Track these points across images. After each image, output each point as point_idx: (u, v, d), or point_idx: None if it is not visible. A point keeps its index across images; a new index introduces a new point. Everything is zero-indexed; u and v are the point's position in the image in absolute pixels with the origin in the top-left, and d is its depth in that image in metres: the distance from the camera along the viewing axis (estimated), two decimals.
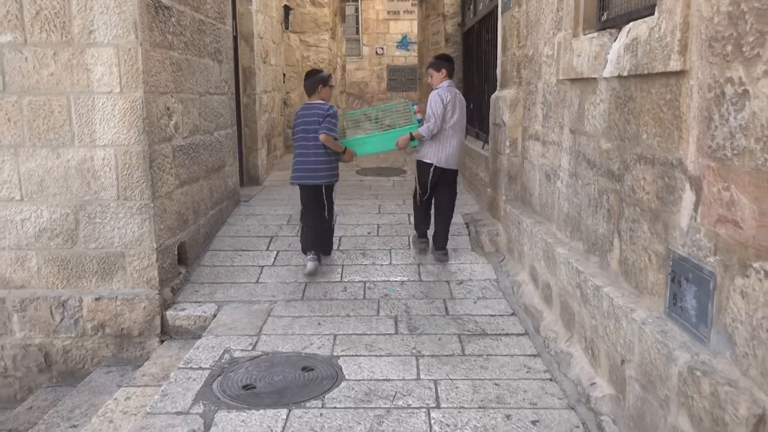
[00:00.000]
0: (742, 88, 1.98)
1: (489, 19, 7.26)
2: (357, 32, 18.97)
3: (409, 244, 5.69)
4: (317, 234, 5.15)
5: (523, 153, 5.14)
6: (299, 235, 5.36)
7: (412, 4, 16.52)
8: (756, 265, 1.93)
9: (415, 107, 5.45)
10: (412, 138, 5.21)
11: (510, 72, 5.36)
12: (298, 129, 5.08)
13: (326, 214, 5.17)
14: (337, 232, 5.84)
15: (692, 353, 2.24)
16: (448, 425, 2.94)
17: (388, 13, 18.93)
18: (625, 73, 2.85)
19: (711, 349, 2.19)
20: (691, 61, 2.30)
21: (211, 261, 5.35)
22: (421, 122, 5.26)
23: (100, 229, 4.35)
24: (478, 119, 8.29)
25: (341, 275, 5.09)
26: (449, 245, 5.45)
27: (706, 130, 2.21)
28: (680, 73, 2.37)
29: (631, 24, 2.86)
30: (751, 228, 1.95)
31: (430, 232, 5.48)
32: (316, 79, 5.13)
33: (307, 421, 2.99)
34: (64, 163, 4.26)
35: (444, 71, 5.31)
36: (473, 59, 9.03)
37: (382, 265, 5.27)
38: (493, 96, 5.87)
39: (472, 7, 9.08)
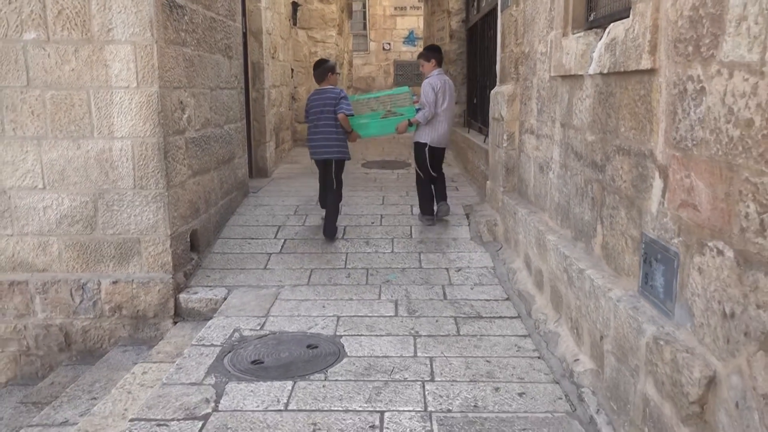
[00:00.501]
0: (700, 85, 2.20)
1: (491, 16, 7.46)
2: (364, 28, 19.20)
3: (410, 234, 5.93)
4: (331, 199, 5.90)
5: (519, 146, 5.36)
6: (319, 198, 6.24)
7: (419, 0, 16.70)
8: (710, 244, 2.15)
9: (414, 97, 6.06)
10: (410, 124, 5.98)
11: (508, 68, 5.57)
12: (312, 111, 5.84)
13: (335, 189, 5.88)
14: (342, 222, 6.09)
15: (658, 326, 2.47)
16: (440, 396, 3.19)
17: (395, 9, 19.14)
18: (606, 71, 3.07)
19: (675, 322, 2.42)
20: (660, 60, 2.52)
21: (222, 248, 5.61)
22: (418, 110, 5.99)
23: (118, 216, 4.61)
24: (480, 114, 8.50)
25: (345, 262, 5.34)
26: (449, 235, 5.70)
27: (671, 123, 2.43)
28: (651, 71, 2.59)
29: (612, 25, 3.08)
30: (707, 211, 2.17)
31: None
32: (325, 68, 5.90)
33: (311, 392, 3.25)
34: (84, 154, 4.52)
35: (434, 61, 6.02)
36: (477, 55, 9.25)
37: (384, 253, 5.52)
38: (492, 91, 6.09)
39: (475, 4, 9.29)
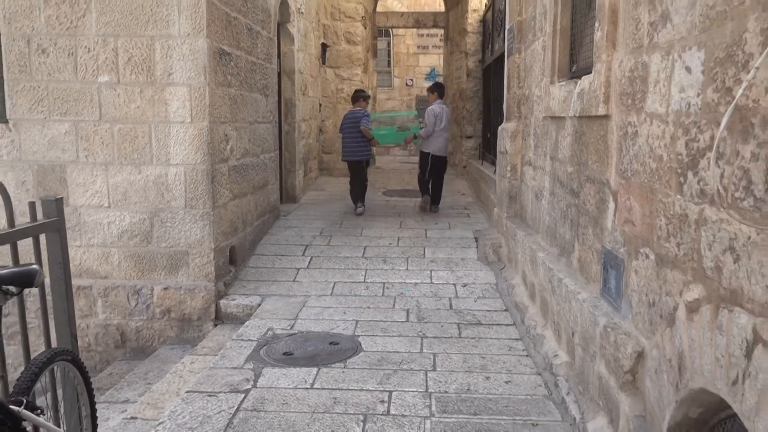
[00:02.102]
0: (635, 129, 2.88)
1: (503, 59, 8.20)
2: (388, 65, 20.17)
3: (424, 254, 6.60)
4: (360, 190, 8.44)
5: (521, 177, 6.03)
6: (349, 194, 8.59)
7: (440, 40, 17.59)
8: (642, 250, 2.80)
9: (420, 119, 8.94)
10: (415, 137, 8.64)
11: (512, 108, 6.28)
12: (345, 125, 8.46)
13: (363, 179, 8.50)
14: (362, 243, 6.80)
15: (609, 318, 3.10)
16: (440, 381, 3.83)
17: (418, 47, 20.11)
18: (578, 114, 3.75)
19: (621, 314, 3.05)
20: (611, 108, 3.20)
21: (256, 263, 6.34)
22: (421, 128, 8.59)
23: (170, 231, 5.37)
24: (493, 147, 9.19)
25: (364, 277, 6.02)
26: (457, 255, 6.36)
27: (619, 157, 3.10)
28: (606, 117, 3.27)
29: (583, 77, 3.77)
30: (639, 224, 2.82)
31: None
32: (358, 95, 8.75)
33: (332, 376, 3.91)
34: (144, 178, 5.31)
35: (435, 94, 8.57)
36: (491, 93, 9.99)
37: (399, 270, 6.19)
38: (499, 128, 6.80)
39: (490, 46, 10.07)
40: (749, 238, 1.86)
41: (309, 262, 6.38)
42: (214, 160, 5.40)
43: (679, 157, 2.37)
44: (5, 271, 2.11)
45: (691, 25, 2.29)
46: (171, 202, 5.34)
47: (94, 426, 2.81)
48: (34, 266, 2.23)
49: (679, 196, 2.37)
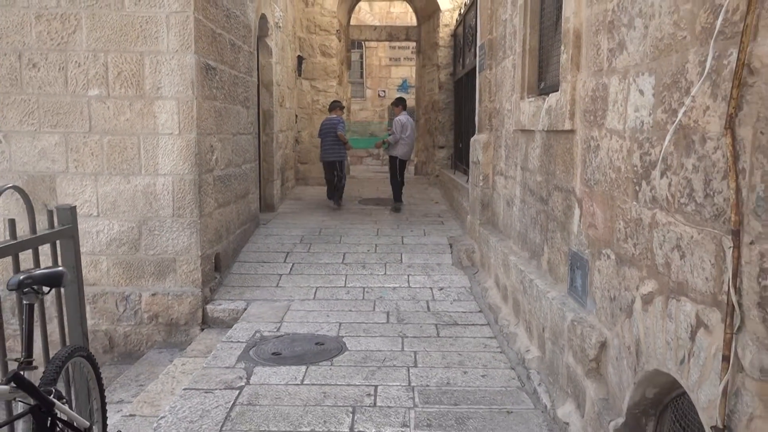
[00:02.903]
0: (597, 143, 3.21)
1: (474, 73, 8.57)
2: (361, 76, 20.52)
3: (401, 260, 6.89)
4: (335, 188, 9.74)
5: (493, 185, 6.38)
6: (326, 191, 10.03)
7: (412, 52, 17.99)
8: (604, 251, 3.13)
9: (388, 128, 10.22)
10: (383, 143, 10.25)
11: (484, 120, 6.63)
12: (323, 130, 9.74)
13: (337, 179, 9.75)
14: (341, 249, 7.06)
15: (576, 313, 3.43)
16: (421, 376, 4.11)
17: (390, 59, 20.50)
18: (547, 128, 4.09)
19: (586, 310, 3.38)
20: (576, 123, 3.54)
21: (239, 270, 6.55)
22: (389, 136, 10.14)
23: (158, 239, 5.56)
24: (465, 157, 9.55)
25: (345, 282, 6.28)
26: (432, 260, 6.66)
27: (584, 168, 3.44)
28: (571, 131, 3.61)
29: (551, 94, 4.12)
30: (601, 228, 3.16)
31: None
32: (335, 104, 10.08)
33: (320, 373, 4.16)
34: (132, 188, 5.50)
35: (400, 107, 10.12)
36: (462, 105, 10.37)
37: (378, 275, 6.47)
38: (472, 139, 7.15)
39: (461, 60, 10.45)
40: (692, 237, 2.19)
41: (291, 269, 6.62)
42: (201, 171, 5.62)
43: (635, 168, 2.70)
44: (38, 272, 2.33)
45: (644, 54, 2.63)
46: (159, 211, 5.53)
47: (104, 419, 3.02)
48: (61, 268, 2.45)
49: (634, 203, 2.71)
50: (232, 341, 4.80)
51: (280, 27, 9.51)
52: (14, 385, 2.11)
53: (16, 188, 2.59)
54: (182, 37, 5.33)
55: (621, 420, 2.79)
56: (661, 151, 2.43)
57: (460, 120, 10.68)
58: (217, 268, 6.18)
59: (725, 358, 1.94)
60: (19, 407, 2.25)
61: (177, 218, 5.55)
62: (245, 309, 5.63)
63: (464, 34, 10.05)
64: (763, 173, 1.79)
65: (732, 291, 1.90)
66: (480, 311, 5.54)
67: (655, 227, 2.50)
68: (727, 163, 1.94)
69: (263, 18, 8.38)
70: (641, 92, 2.64)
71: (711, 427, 2.01)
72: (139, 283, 5.61)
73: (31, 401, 2.19)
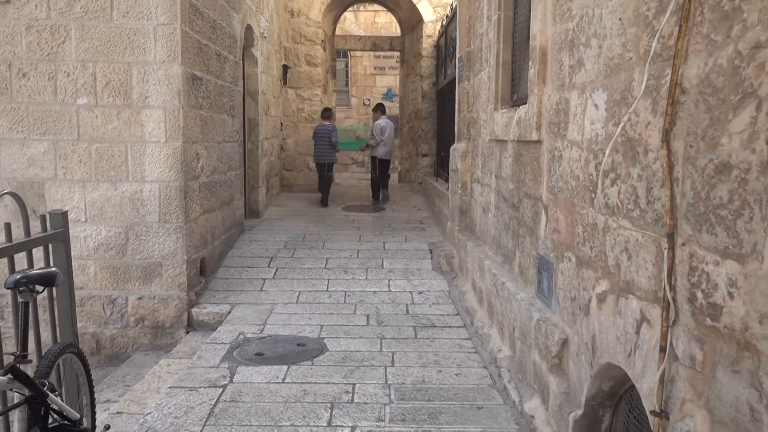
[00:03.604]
0: (560, 153, 3.43)
1: (454, 84, 8.80)
2: (346, 85, 20.75)
3: (382, 265, 7.08)
4: (325, 186, 10.94)
5: (470, 193, 6.59)
6: (317, 188, 11.38)
7: (396, 62, 18.24)
8: (566, 254, 3.34)
9: (370, 133, 11.72)
10: (367, 146, 11.89)
11: (462, 129, 6.86)
12: (317, 135, 10.96)
13: (327, 175, 11.04)
14: (324, 255, 7.24)
15: (542, 313, 3.63)
16: (398, 375, 4.30)
17: (375, 68, 20.76)
18: (517, 139, 4.31)
19: (552, 310, 3.59)
20: (543, 134, 3.76)
21: (224, 274, 6.71)
22: (371, 138, 11.58)
23: (144, 244, 5.71)
24: (447, 165, 9.77)
25: (327, 286, 6.46)
26: (413, 265, 6.86)
27: (549, 177, 3.65)
28: (538, 142, 3.83)
29: (521, 106, 4.34)
30: (564, 233, 3.37)
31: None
32: (327, 113, 11.28)
33: (301, 372, 4.33)
34: (120, 194, 5.65)
35: (379, 112, 11.51)
36: (444, 114, 10.60)
37: (360, 279, 6.65)
38: (451, 147, 7.37)
39: (443, 70, 10.69)
40: (637, 240, 2.41)
41: (275, 273, 6.78)
42: (187, 178, 5.78)
43: (591, 177, 2.92)
44: (34, 272, 2.49)
45: (598, 72, 2.85)
46: (146, 217, 5.69)
47: (93, 413, 3.18)
48: (54, 269, 2.62)
49: (591, 209, 2.92)
50: (216, 343, 4.96)
51: (265, 37, 9.70)
52: (11, 377, 2.27)
53: (12, 194, 2.75)
54: (169, 49, 5.50)
55: (580, 412, 2.99)
56: (601, 163, 2.65)
57: (442, 129, 10.91)
58: (203, 273, 6.34)
59: (662, 349, 2.15)
60: (14, 399, 2.40)
61: (163, 224, 5.70)
62: (229, 312, 5.78)
63: (446, 45, 10.30)
64: (692, 182, 2.01)
65: (667, 288, 2.11)
66: (457, 314, 5.74)
67: (607, 231, 2.71)
68: (664, 172, 2.15)
69: (249, 29, 8.57)
70: (596, 106, 2.86)
71: (650, 412, 2.21)
72: (126, 286, 5.75)
73: (27, 392, 2.35)
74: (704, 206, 1.93)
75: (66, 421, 2.59)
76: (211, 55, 6.49)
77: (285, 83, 11.68)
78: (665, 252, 2.13)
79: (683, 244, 2.05)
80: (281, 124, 11.72)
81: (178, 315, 5.75)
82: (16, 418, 2.37)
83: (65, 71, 5.50)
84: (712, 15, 1.90)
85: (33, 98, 5.52)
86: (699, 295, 1.95)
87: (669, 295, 2.11)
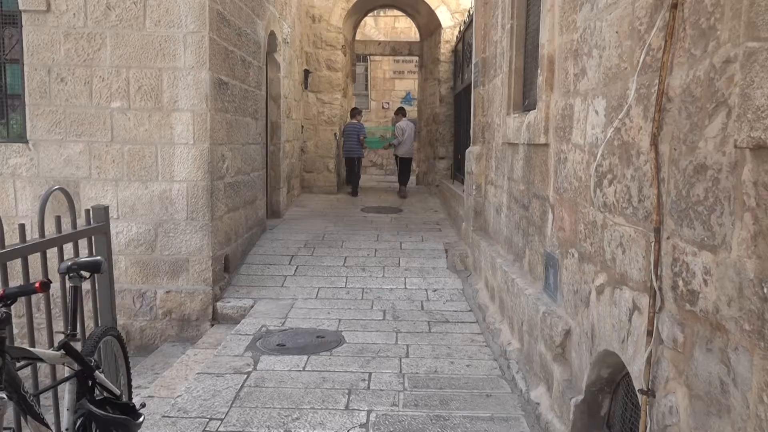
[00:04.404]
0: (565, 155, 3.65)
1: (470, 89, 9.02)
2: (366, 89, 21.03)
3: (399, 264, 7.32)
4: (354, 179, 12.53)
5: (484, 194, 6.81)
6: (346, 181, 13.32)
7: (415, 66, 18.49)
8: (570, 251, 3.55)
9: (393, 134, 13.26)
10: (390, 144, 14.12)
11: (477, 133, 7.08)
12: (347, 132, 12.42)
13: (357, 170, 12.68)
14: (343, 254, 7.50)
15: (547, 306, 3.85)
16: (412, 365, 4.53)
17: (394, 72, 21.03)
18: (527, 142, 4.53)
19: (557, 303, 3.80)
20: (550, 138, 3.98)
21: (247, 271, 6.99)
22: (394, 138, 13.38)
23: (173, 240, 6.02)
24: (463, 168, 9.99)
25: (345, 283, 6.71)
26: (427, 265, 7.09)
27: (555, 178, 3.87)
28: (546, 145, 4.05)
29: (530, 112, 4.56)
30: (568, 230, 3.58)
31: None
32: (355, 111, 12.82)
33: (320, 362, 4.59)
34: (149, 193, 5.96)
35: (400, 115, 13.22)
36: (461, 118, 10.81)
37: (377, 277, 6.90)
38: (467, 150, 7.59)
39: (461, 75, 10.91)
40: (630, 235, 2.62)
41: (295, 270, 7.05)
42: (213, 178, 6.08)
43: (591, 178, 3.13)
44: (82, 260, 2.77)
45: (598, 80, 3.07)
46: (174, 215, 5.99)
47: (130, 392, 3.45)
48: (99, 257, 2.90)
49: (591, 208, 3.14)
50: (240, 334, 5.24)
51: (287, 43, 10.00)
52: (64, 352, 2.55)
53: (62, 190, 3.04)
54: (198, 55, 5.81)
55: (580, 397, 3.20)
56: (611, 164, 2.87)
57: (459, 132, 11.12)
58: (227, 269, 6.63)
59: (649, 333, 2.37)
60: (65, 373, 2.68)
61: (190, 221, 6.00)
62: (252, 306, 6.06)
63: (463, 51, 10.52)
64: (675, 181, 2.22)
65: (654, 278, 2.33)
66: (470, 310, 5.96)
67: (605, 228, 2.93)
68: (652, 173, 2.37)
69: (272, 35, 8.87)
70: (596, 112, 3.08)
71: (638, 390, 2.43)
72: (155, 281, 6.06)
73: (76, 366, 2.63)
74: (685, 203, 2.14)
75: (110, 395, 2.87)
76: (236, 60, 6.79)
77: (306, 87, 11.98)
78: (652, 245, 2.35)
79: (668, 238, 2.27)
80: (302, 127, 12.02)
81: (204, 308, 6.04)
82: (67, 390, 2.65)
83: (100, 76, 5.83)
84: (693, 31, 2.12)
85: (70, 102, 5.85)
86: (680, 283, 2.17)
87: (655, 284, 2.32)
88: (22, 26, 5.78)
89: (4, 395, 2.03)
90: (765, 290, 1.69)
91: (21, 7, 5.74)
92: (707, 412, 1.99)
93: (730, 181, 1.87)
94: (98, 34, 5.79)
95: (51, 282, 2.36)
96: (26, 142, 5.91)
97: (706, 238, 2.00)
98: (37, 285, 2.18)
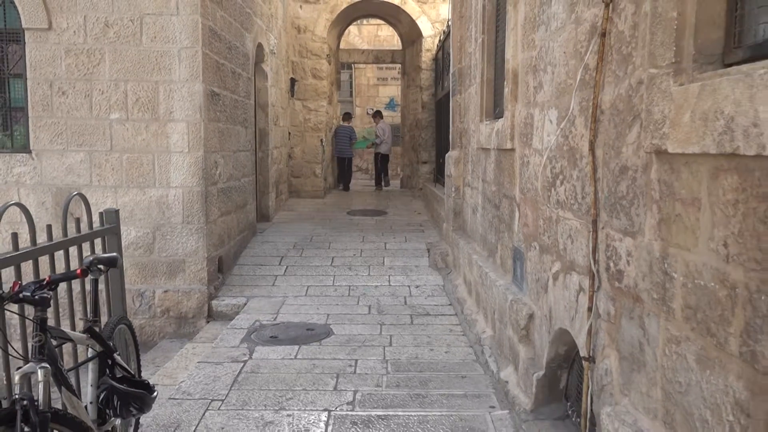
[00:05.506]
0: (527, 159, 4.09)
1: (449, 96, 9.47)
2: (351, 95, 21.48)
3: (383, 263, 7.74)
4: (345, 176, 14.49)
5: (463, 196, 7.25)
6: (337, 178, 15.05)
7: (398, 73, 18.97)
8: (533, 244, 3.99)
9: (375, 135, 14.88)
10: (372, 144, 15.93)
11: (456, 138, 7.53)
12: (338, 134, 14.36)
13: (347, 169, 14.61)
14: (330, 254, 7.91)
15: (515, 295, 4.28)
16: (394, 352, 4.95)
17: (378, 79, 21.50)
18: (497, 147, 4.98)
19: (523, 292, 4.24)
20: (515, 143, 4.42)
21: (239, 271, 7.38)
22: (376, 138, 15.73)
23: (169, 243, 6.39)
24: (445, 171, 10.44)
25: (333, 281, 7.12)
26: (411, 262, 7.52)
27: (520, 179, 4.31)
28: (512, 150, 4.49)
29: (500, 119, 5.00)
30: (531, 226, 4.02)
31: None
32: (347, 116, 15.42)
33: (310, 351, 4.99)
34: (147, 199, 6.34)
35: (378, 118, 15.67)
36: (442, 124, 11.27)
37: (362, 275, 7.31)
38: (446, 155, 8.03)
39: (441, 82, 11.37)
40: (577, 228, 3.06)
41: (285, 270, 7.45)
42: (207, 184, 6.47)
43: (548, 179, 3.58)
44: (102, 255, 3.16)
45: (552, 93, 3.52)
46: (170, 219, 6.37)
47: (139, 376, 3.84)
48: (115, 254, 3.29)
49: (548, 205, 3.58)
50: (235, 328, 5.63)
51: (274, 53, 10.41)
52: (89, 335, 2.94)
53: (80, 195, 3.43)
54: (191, 69, 6.20)
55: (541, 372, 3.64)
56: (562, 167, 3.31)
57: (440, 137, 11.58)
58: (220, 270, 7.01)
59: (590, 310, 2.80)
60: (87, 354, 3.07)
61: (186, 225, 6.39)
62: (245, 304, 6.45)
63: (443, 59, 10.98)
64: (607, 181, 2.67)
65: (592, 262, 2.77)
66: (450, 304, 6.39)
67: (558, 222, 3.37)
68: (590, 174, 2.81)
69: (260, 46, 9.27)
70: (551, 121, 3.53)
71: (582, 357, 2.86)
72: (153, 281, 6.43)
73: (98, 348, 3.02)
74: (614, 198, 2.59)
75: (126, 374, 3.26)
76: (227, 72, 7.19)
77: (292, 95, 12.38)
78: (590, 234, 2.79)
79: (602, 228, 2.71)
80: (289, 133, 12.43)
81: (200, 306, 6.42)
82: (90, 368, 3.03)
83: (100, 89, 6.20)
84: (617, 56, 2.56)
85: (71, 114, 6.22)
86: (611, 265, 2.61)
87: (593, 267, 2.76)
88: (25, 43, 6.14)
89: (47, 365, 2.41)
90: (666, 266, 2.14)
91: (24, 25, 6.11)
92: (631, 369, 2.43)
93: (643, 179, 2.31)
94: (97, 50, 6.16)
95: (89, 270, 2.76)
96: (30, 152, 6.26)
97: (628, 227, 2.44)
98: (78, 271, 2.57)
